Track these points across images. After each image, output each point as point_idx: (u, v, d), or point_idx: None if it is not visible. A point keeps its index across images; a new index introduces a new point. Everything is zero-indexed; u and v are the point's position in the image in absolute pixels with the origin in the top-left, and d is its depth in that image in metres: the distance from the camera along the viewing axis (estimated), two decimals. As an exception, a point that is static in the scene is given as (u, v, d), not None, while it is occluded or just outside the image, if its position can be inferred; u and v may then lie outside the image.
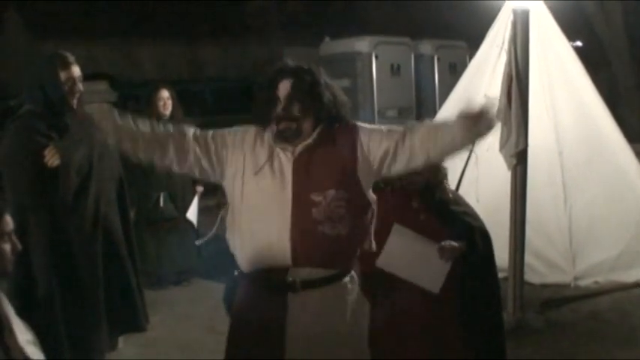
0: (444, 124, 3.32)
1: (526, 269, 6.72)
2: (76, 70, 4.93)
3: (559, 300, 7.13)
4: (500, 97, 6.18)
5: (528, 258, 6.83)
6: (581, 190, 7.74)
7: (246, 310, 3.42)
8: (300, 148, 3.32)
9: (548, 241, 7.66)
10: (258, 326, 3.35)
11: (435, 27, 19.83)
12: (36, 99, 4.92)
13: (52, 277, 4.80)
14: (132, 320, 5.31)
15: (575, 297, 7.22)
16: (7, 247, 2.84)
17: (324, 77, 3.46)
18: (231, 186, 3.41)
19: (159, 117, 7.67)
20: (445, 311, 4.11)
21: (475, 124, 3.16)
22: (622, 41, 14.96)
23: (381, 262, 3.95)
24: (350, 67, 14.37)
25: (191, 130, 3.48)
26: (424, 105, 15.25)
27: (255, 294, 3.40)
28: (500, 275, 5.32)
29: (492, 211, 6.36)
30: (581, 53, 8.19)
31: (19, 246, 2.90)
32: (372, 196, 3.43)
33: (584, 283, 7.53)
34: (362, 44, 14.57)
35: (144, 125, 3.46)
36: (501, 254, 6.03)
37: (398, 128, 3.38)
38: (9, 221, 2.85)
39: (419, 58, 15.51)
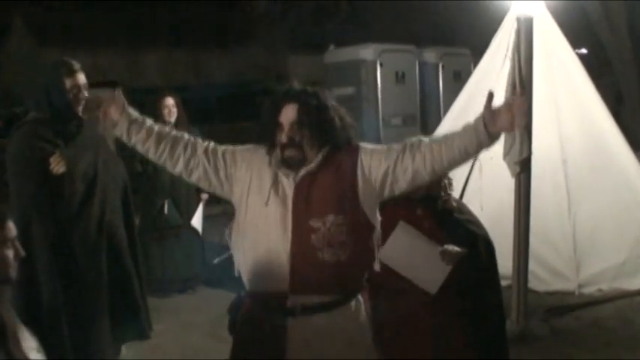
0: (447, 136, 3.23)
1: (530, 277, 6.72)
2: (81, 78, 4.94)
3: (563, 308, 7.12)
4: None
5: (532, 266, 6.83)
6: (585, 198, 7.74)
7: (247, 332, 3.40)
8: (302, 173, 3.25)
9: (552, 249, 7.66)
10: (258, 349, 3.31)
11: (440, 35, 19.86)
12: (41, 106, 4.94)
13: (57, 284, 4.80)
14: (135, 328, 5.31)
15: (579, 305, 7.21)
16: (10, 253, 2.84)
17: (330, 100, 3.36)
18: (238, 204, 3.38)
19: (164, 124, 7.72)
20: (447, 318, 4.11)
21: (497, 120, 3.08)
22: (626, 48, 14.94)
23: (382, 254, 3.94)
24: (354, 74, 14.36)
25: (202, 146, 3.44)
26: (429, 113, 15.25)
27: (256, 315, 3.36)
28: (505, 283, 5.32)
29: (496, 219, 6.37)
30: (585, 60, 8.20)
31: (22, 252, 2.91)
32: (377, 218, 3.37)
33: (588, 290, 7.52)
34: (367, 52, 14.57)
35: (158, 127, 3.46)
36: (505, 262, 6.04)
37: (400, 145, 3.28)
38: (12, 227, 2.86)
39: (423, 65, 15.51)
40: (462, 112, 8.46)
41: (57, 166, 4.78)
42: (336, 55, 15.24)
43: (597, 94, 7.96)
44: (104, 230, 5.04)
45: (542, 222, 7.28)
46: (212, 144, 3.48)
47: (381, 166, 3.24)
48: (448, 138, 3.20)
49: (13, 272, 2.87)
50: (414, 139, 3.29)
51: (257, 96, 17.73)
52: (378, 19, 24.13)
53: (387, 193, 3.30)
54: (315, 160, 3.26)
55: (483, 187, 7.21)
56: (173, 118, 7.72)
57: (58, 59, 5.09)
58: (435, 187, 4.21)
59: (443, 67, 15.68)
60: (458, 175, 6.26)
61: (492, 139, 3.14)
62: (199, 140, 3.48)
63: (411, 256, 4.04)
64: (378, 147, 3.38)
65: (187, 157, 3.40)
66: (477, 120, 3.15)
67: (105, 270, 5.01)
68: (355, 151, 3.31)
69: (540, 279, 7.53)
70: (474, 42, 13.74)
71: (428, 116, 15.13)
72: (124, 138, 3.45)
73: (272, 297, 3.25)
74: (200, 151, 3.41)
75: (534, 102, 6.31)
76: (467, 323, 4.15)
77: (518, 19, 6.30)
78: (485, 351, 4.23)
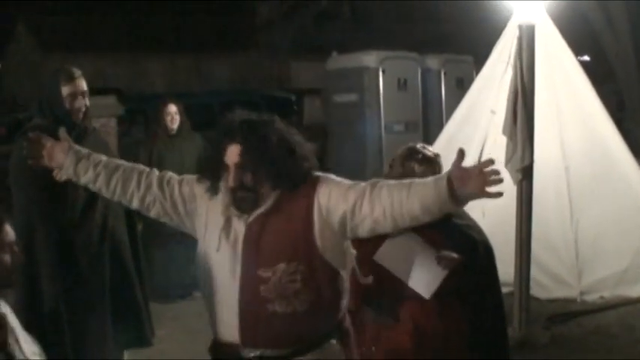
0: (412, 188, 2.91)
1: (532, 284, 6.72)
2: (81, 85, 4.90)
3: (565, 315, 7.12)
4: (506, 112, 6.20)
5: (534, 273, 6.83)
6: (588, 205, 7.74)
7: None
8: (253, 216, 2.98)
9: (554, 256, 7.66)
10: None
11: (442, 42, 19.88)
12: (44, 113, 4.94)
13: (59, 290, 4.80)
14: (138, 334, 5.30)
15: (581, 312, 7.21)
16: (8, 257, 2.85)
17: (279, 131, 3.03)
18: (198, 241, 3.20)
19: (167, 131, 7.78)
20: (447, 324, 4.10)
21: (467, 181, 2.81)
22: (629, 55, 14.95)
23: (379, 256, 3.94)
24: (357, 81, 14.34)
25: (158, 179, 3.23)
26: (431, 119, 15.23)
27: (219, 358, 3.19)
28: (506, 290, 5.32)
29: (498, 225, 6.38)
30: (588, 67, 8.21)
31: (21, 257, 2.92)
32: (349, 254, 3.18)
33: (590, 297, 7.53)
34: (369, 59, 14.56)
35: (107, 162, 3.31)
36: (507, 269, 6.03)
37: (360, 188, 2.98)
38: (9, 231, 2.87)
39: (426, 72, 15.48)
40: (464, 119, 8.49)
41: (60, 172, 4.78)
42: (339, 61, 15.24)
43: (599, 100, 7.97)
44: (107, 236, 5.03)
45: (545, 229, 7.29)
46: (169, 175, 3.26)
47: (339, 209, 2.96)
48: (412, 191, 2.90)
49: (12, 276, 2.88)
50: (378, 182, 3.00)
51: (260, 102, 17.78)
52: (381, 26, 24.20)
53: (349, 236, 3.06)
54: (266, 203, 2.98)
55: (485, 194, 7.20)
56: (176, 126, 7.78)
57: (58, 66, 5.09)
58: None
59: (445, 74, 15.65)
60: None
61: (457, 202, 2.88)
62: (155, 172, 3.28)
63: (407, 258, 4.03)
64: (339, 183, 3.06)
65: (142, 193, 3.21)
66: (441, 177, 2.89)
67: (107, 276, 5.01)
68: (313, 188, 3.01)
69: (542, 286, 7.53)
70: (476, 49, 13.77)
71: (430, 123, 15.10)
72: (73, 179, 3.34)
73: (227, 346, 3.07)
74: (155, 185, 3.20)
75: (536, 109, 6.32)
76: (467, 330, 4.14)
77: (520, 27, 6.32)
78: (486, 358, 4.23)
